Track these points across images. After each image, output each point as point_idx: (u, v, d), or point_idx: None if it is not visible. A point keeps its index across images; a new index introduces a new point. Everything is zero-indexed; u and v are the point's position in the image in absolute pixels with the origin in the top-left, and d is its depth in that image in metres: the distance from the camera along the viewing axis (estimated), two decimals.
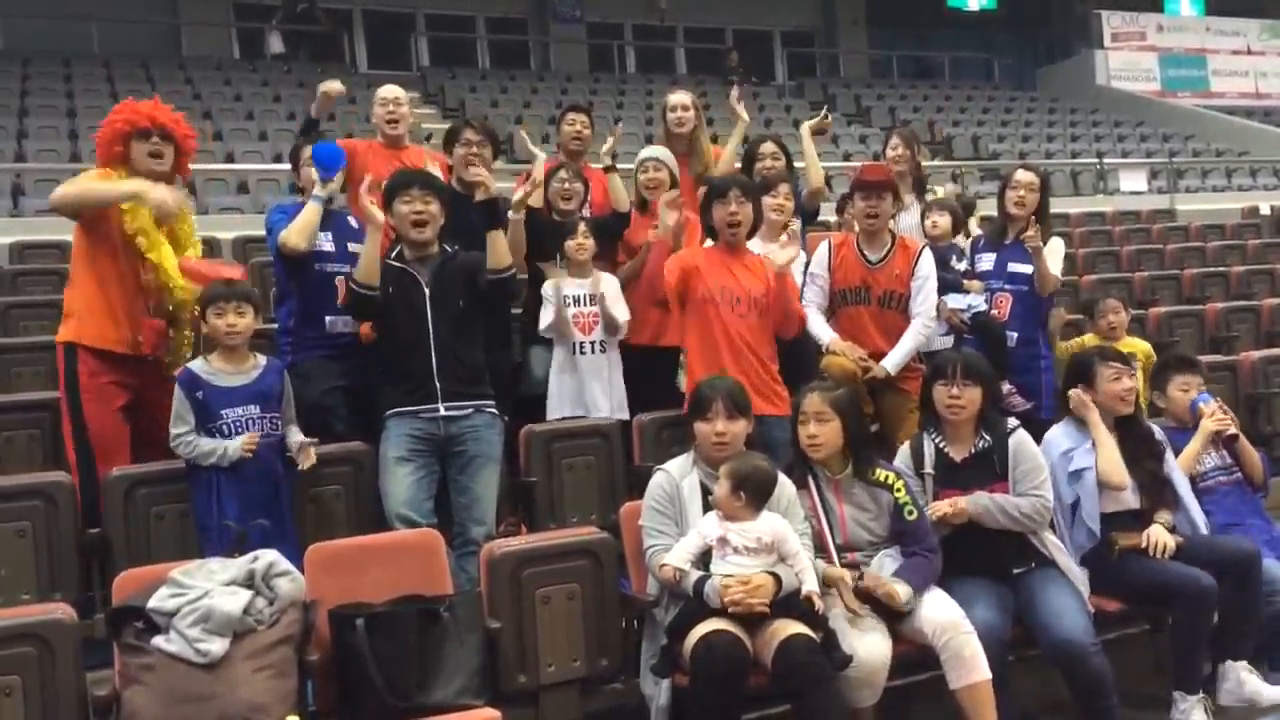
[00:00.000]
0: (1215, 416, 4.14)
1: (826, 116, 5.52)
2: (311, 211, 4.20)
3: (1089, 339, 5.34)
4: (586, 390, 4.53)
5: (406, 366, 3.87)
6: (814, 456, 3.47)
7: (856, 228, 4.62)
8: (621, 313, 4.57)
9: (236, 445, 3.60)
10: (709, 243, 4.35)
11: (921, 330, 4.43)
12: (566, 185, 4.91)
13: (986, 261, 4.97)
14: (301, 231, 4.17)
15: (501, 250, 3.99)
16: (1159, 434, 4.00)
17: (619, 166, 5.05)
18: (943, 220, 5.07)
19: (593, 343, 4.55)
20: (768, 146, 5.28)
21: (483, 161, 4.68)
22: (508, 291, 4.05)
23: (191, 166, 4.46)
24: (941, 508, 3.55)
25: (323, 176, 4.24)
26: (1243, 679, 3.70)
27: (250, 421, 3.68)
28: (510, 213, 4.46)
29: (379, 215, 3.89)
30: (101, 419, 3.93)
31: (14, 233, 8.05)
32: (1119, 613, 3.70)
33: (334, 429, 4.16)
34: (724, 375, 3.73)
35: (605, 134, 5.30)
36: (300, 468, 3.79)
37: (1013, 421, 3.78)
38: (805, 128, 5.46)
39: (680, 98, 5.34)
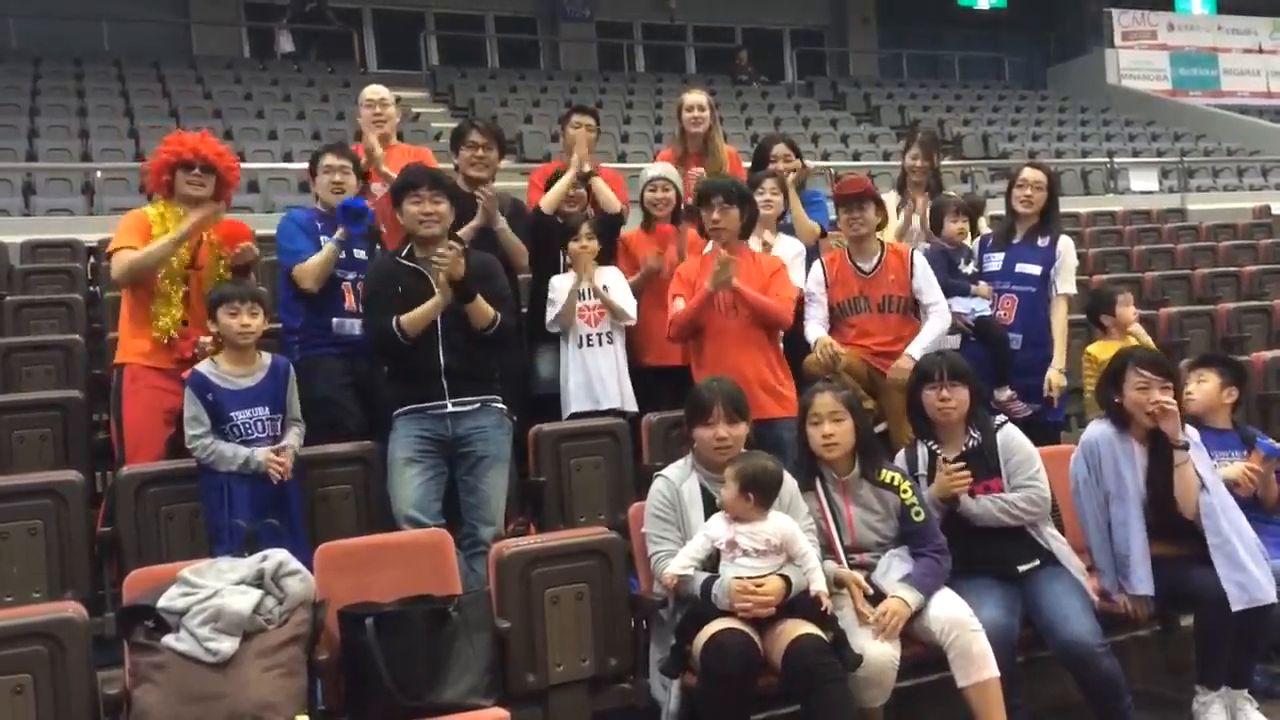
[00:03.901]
0: (1249, 469, 3.89)
1: (805, 167, 5.29)
2: (328, 254, 4.26)
3: (1113, 344, 5.01)
4: (595, 381, 4.57)
5: (414, 364, 3.87)
6: (828, 457, 3.46)
7: (844, 239, 4.65)
8: (628, 302, 4.64)
9: (260, 458, 3.62)
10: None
11: (940, 320, 4.45)
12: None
13: (995, 262, 4.95)
14: (316, 278, 4.26)
15: (479, 314, 3.89)
16: (1188, 453, 3.57)
17: (604, 165, 5.09)
18: (965, 225, 5.04)
19: (599, 334, 4.61)
20: (780, 149, 5.27)
21: (489, 164, 4.68)
22: (501, 340, 4.01)
23: None
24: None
25: (353, 230, 4.27)
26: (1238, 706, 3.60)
27: (259, 423, 3.72)
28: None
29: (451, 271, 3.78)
30: (136, 416, 4.03)
31: (25, 231, 8.06)
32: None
33: (345, 425, 4.18)
34: (726, 376, 3.71)
35: (607, 135, 5.29)
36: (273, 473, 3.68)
37: (1000, 418, 3.77)
38: (793, 195, 5.06)
39: (696, 97, 5.33)
